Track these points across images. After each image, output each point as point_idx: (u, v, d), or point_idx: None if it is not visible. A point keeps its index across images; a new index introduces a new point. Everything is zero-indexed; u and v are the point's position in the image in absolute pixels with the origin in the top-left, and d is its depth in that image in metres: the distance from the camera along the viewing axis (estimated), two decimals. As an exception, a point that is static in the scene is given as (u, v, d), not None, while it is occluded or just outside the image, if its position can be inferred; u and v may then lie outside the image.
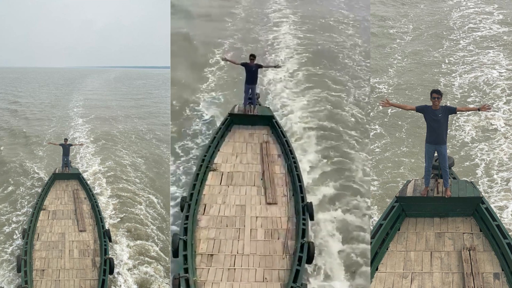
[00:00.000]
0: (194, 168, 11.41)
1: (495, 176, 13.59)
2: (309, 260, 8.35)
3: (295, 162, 11.20)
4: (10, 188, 17.09)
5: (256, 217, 9.63)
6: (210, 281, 7.98)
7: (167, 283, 11.24)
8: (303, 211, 9.41)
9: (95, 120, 30.82)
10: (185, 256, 8.16)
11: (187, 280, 7.68)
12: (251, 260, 8.48)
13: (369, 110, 17.35)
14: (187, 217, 9.12)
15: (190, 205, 9.47)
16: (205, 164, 11.10)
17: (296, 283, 7.65)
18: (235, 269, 8.26)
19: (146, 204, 15.79)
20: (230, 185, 10.67)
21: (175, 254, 8.38)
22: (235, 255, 8.56)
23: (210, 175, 10.99)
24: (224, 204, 10.00)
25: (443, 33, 26.63)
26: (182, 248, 8.30)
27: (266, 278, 8.09)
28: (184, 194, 10.67)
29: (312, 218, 9.59)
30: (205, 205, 9.94)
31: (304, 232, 8.79)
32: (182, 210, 9.66)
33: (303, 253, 8.24)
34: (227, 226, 9.32)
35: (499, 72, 20.89)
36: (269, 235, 9.12)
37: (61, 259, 11.40)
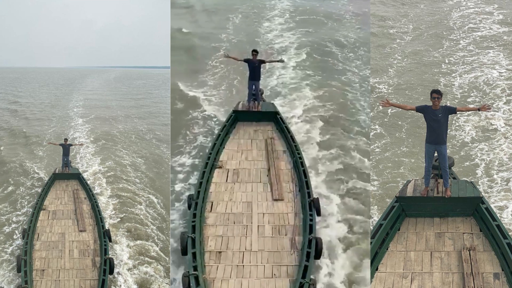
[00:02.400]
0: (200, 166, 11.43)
1: (495, 176, 13.58)
2: (317, 255, 8.38)
3: (300, 158, 11.21)
4: (10, 188, 17.08)
5: (263, 213, 9.65)
6: (219, 278, 8.00)
7: (167, 283, 11.23)
8: (310, 207, 9.43)
9: (95, 120, 30.83)
10: (194, 254, 8.18)
11: (196, 278, 7.69)
12: (259, 256, 8.50)
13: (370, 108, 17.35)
14: (194, 215, 9.16)
15: (197, 203, 9.50)
16: (211, 161, 11.13)
17: (305, 278, 7.65)
18: (243, 265, 8.28)
19: (146, 204, 15.79)
20: (236, 182, 10.70)
21: (184, 252, 8.42)
22: (243, 252, 8.58)
23: (216, 172, 11.01)
24: (230, 201, 10.03)
25: (443, 33, 26.64)
26: (190, 246, 8.33)
27: (274, 274, 8.11)
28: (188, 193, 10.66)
29: (319, 214, 9.61)
30: (212, 202, 9.97)
31: (311, 228, 8.81)
32: (189, 208, 9.71)
33: (311, 248, 8.26)
34: (234, 223, 9.34)
35: (499, 72, 20.90)
36: (277, 231, 9.14)
37: (61, 259, 11.39)
